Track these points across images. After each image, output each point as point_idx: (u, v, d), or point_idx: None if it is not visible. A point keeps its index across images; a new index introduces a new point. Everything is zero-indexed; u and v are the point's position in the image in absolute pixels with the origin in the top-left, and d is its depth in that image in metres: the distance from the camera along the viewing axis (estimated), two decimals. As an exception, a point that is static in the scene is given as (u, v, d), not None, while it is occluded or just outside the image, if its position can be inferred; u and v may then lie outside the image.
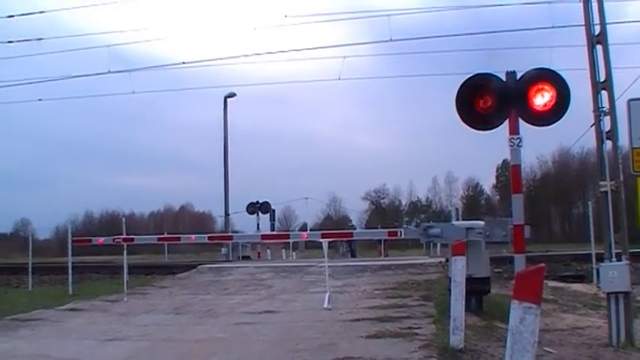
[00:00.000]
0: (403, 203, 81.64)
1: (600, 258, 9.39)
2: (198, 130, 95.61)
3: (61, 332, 10.36)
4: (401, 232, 13.32)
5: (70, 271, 16.93)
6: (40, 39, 22.10)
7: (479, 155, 77.88)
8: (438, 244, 24.71)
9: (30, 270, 19.17)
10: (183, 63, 27.84)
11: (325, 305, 11.98)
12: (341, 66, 23.40)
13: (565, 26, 18.19)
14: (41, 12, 21.65)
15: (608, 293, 8.49)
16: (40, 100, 27.42)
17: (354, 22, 44.82)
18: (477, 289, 10.11)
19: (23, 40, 21.98)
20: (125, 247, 15.51)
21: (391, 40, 20.95)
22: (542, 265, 3.90)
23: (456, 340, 7.54)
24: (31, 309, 12.67)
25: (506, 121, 9.56)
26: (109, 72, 22.72)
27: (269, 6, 61.83)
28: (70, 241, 17.54)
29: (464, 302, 7.77)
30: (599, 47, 8.71)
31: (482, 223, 10.82)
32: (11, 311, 12.37)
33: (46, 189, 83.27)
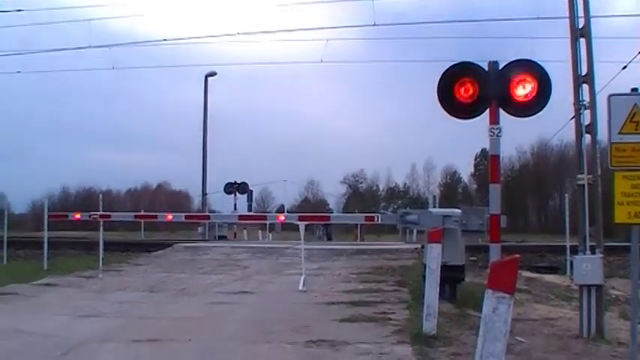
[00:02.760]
0: (381, 188, 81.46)
1: (575, 250, 9.48)
2: (178, 108, 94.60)
3: (36, 307, 10.33)
4: (378, 217, 13.37)
5: (45, 246, 16.81)
6: (19, 10, 21.80)
7: (458, 143, 77.68)
8: (415, 231, 24.78)
9: (5, 244, 18.97)
10: (165, 40, 27.64)
11: (300, 287, 12.02)
12: (323, 49, 23.26)
13: (549, 18, 18.25)
14: (22, -16, 21.36)
15: (581, 285, 8.58)
16: (18, 72, 27.19)
17: (337, 5, 44.70)
18: (451, 276, 10.17)
19: (2, 12, 21.71)
20: (101, 223, 15.46)
21: (375, 24, 20.84)
22: (517, 255, 3.94)
23: (429, 326, 7.62)
24: (6, 283, 12.60)
25: (487, 111, 9.58)
26: (89, 46, 22.49)
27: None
28: (46, 216, 17.42)
29: (438, 289, 7.84)
30: (582, 40, 8.75)
31: (459, 211, 10.89)
32: (-15, 284, 12.31)
33: (22, 163, 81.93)
